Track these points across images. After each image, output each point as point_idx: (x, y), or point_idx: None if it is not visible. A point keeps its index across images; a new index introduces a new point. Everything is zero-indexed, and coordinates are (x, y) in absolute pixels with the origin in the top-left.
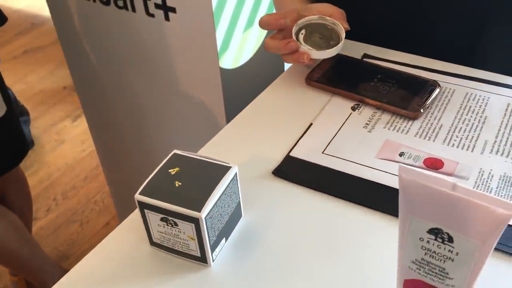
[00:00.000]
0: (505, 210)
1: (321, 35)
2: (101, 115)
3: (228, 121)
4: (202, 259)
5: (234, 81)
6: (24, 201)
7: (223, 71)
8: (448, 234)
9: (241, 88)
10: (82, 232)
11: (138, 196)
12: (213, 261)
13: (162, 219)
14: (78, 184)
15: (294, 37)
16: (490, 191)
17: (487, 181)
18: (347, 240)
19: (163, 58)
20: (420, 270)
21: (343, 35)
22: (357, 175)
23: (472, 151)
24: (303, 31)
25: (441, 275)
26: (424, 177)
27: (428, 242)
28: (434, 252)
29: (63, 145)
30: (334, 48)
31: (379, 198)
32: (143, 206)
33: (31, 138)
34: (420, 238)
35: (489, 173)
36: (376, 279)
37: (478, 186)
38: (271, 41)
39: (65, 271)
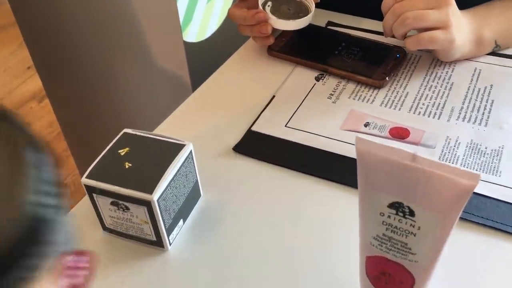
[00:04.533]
0: (469, 181)
1: (289, 7)
2: (65, 96)
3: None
4: (158, 243)
5: (199, 55)
6: None
7: (188, 45)
8: (409, 207)
9: (207, 61)
10: None
11: (84, 180)
12: (170, 245)
13: (112, 203)
14: None
15: (260, 7)
16: (457, 159)
17: (454, 149)
18: (311, 217)
19: (125, 33)
20: (382, 246)
21: (313, 7)
22: (321, 148)
23: (438, 118)
24: (269, 3)
25: (403, 250)
26: (382, 148)
27: (389, 217)
28: (396, 227)
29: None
30: (304, 18)
31: (344, 171)
32: (91, 190)
33: None
34: (380, 213)
35: (456, 141)
36: (340, 257)
37: (444, 155)
38: (237, 10)
39: None
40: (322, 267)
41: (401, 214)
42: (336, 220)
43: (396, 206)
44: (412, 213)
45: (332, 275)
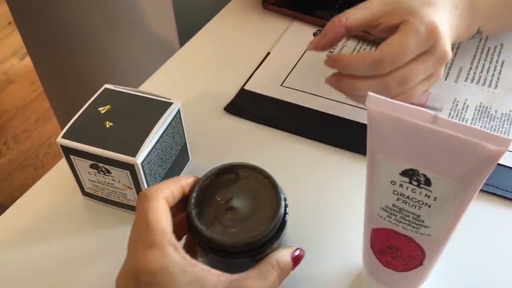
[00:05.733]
0: (497, 146)
1: None
2: (46, 54)
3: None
4: None
5: (187, 7)
6: None
7: None
8: (425, 176)
9: (196, 14)
10: (37, 177)
11: (60, 140)
12: None
13: (92, 166)
14: (30, 127)
15: None
16: (465, 123)
17: (461, 112)
18: (309, 184)
19: None
20: (390, 217)
21: None
22: (320, 109)
23: (445, 79)
24: None
25: (415, 223)
26: (398, 108)
27: (401, 185)
28: (408, 197)
29: (11, 86)
30: None
31: (344, 135)
32: (68, 151)
33: None
34: (391, 182)
35: (464, 104)
36: (341, 227)
37: (452, 118)
38: None
39: None
40: (319, 238)
41: (415, 183)
42: (336, 188)
43: (410, 174)
44: (428, 182)
45: (331, 248)
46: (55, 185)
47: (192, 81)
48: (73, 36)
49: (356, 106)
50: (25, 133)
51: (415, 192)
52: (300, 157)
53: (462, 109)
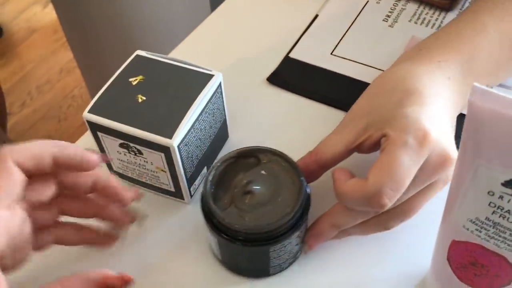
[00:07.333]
0: None
1: None
2: (71, 3)
3: (213, 10)
4: (177, 194)
5: None
6: None
7: None
8: None
9: None
10: (61, 129)
11: (87, 115)
12: (191, 197)
13: (121, 145)
14: (53, 78)
15: None
16: None
17: None
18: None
19: None
20: (480, 232)
21: None
22: None
23: None
24: None
25: (511, 240)
26: (510, 104)
27: (501, 197)
28: (508, 211)
29: (34, 35)
30: None
31: None
32: (95, 127)
33: None
34: (489, 192)
35: None
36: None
37: None
38: None
39: None
40: (375, 236)
41: None
42: None
43: None
44: None
45: (387, 247)
46: None
47: (228, 48)
48: None
49: None
50: (48, 84)
51: None
52: None
53: None
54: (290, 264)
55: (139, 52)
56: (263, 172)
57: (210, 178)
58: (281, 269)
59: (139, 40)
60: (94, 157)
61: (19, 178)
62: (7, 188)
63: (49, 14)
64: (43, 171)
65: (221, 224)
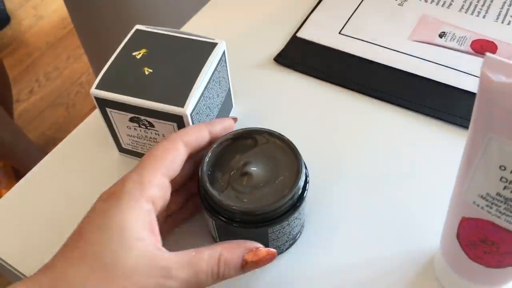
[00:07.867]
0: None
1: None
2: None
3: None
4: None
5: None
6: (1, 81)
7: None
8: None
9: None
10: (69, 116)
11: (94, 91)
12: None
13: (132, 120)
14: (61, 65)
15: None
16: None
17: None
18: (370, 151)
19: None
20: (491, 208)
21: None
22: (384, 62)
23: None
24: None
25: None
26: None
27: None
28: None
29: (42, 21)
30: None
31: (414, 93)
32: (103, 103)
33: (6, 13)
34: (501, 167)
35: None
36: (408, 204)
37: None
38: None
39: None
40: (380, 215)
41: None
42: (403, 156)
43: None
44: None
45: (395, 223)
46: (88, 140)
47: (235, 26)
48: None
49: (431, 61)
50: (56, 71)
51: None
52: (360, 118)
53: None
54: (290, 246)
55: (139, 26)
56: (260, 153)
57: (206, 160)
58: (280, 251)
59: (147, 24)
60: (231, 120)
61: (182, 156)
62: (168, 162)
63: (56, 0)
64: (201, 151)
65: (218, 205)
